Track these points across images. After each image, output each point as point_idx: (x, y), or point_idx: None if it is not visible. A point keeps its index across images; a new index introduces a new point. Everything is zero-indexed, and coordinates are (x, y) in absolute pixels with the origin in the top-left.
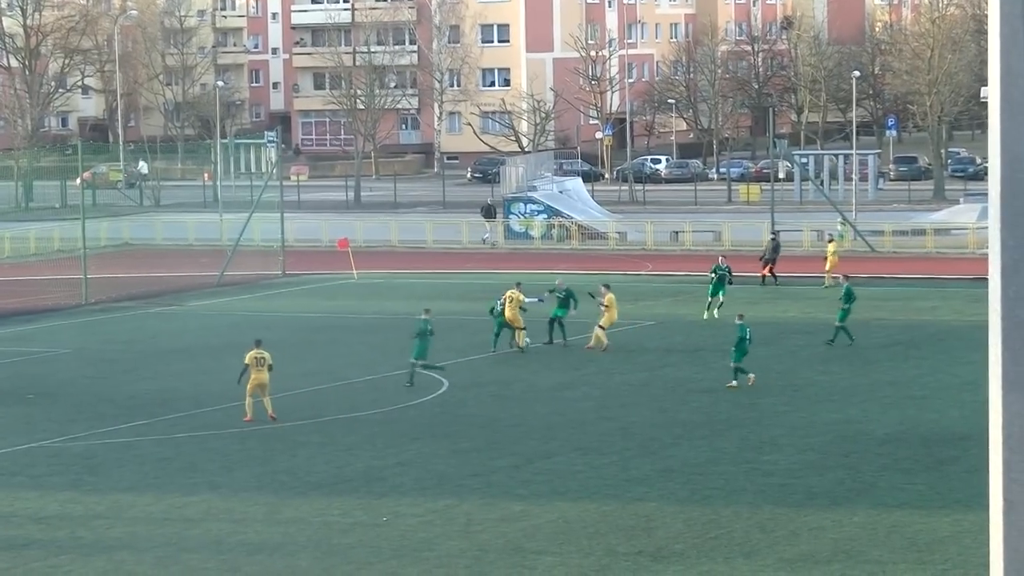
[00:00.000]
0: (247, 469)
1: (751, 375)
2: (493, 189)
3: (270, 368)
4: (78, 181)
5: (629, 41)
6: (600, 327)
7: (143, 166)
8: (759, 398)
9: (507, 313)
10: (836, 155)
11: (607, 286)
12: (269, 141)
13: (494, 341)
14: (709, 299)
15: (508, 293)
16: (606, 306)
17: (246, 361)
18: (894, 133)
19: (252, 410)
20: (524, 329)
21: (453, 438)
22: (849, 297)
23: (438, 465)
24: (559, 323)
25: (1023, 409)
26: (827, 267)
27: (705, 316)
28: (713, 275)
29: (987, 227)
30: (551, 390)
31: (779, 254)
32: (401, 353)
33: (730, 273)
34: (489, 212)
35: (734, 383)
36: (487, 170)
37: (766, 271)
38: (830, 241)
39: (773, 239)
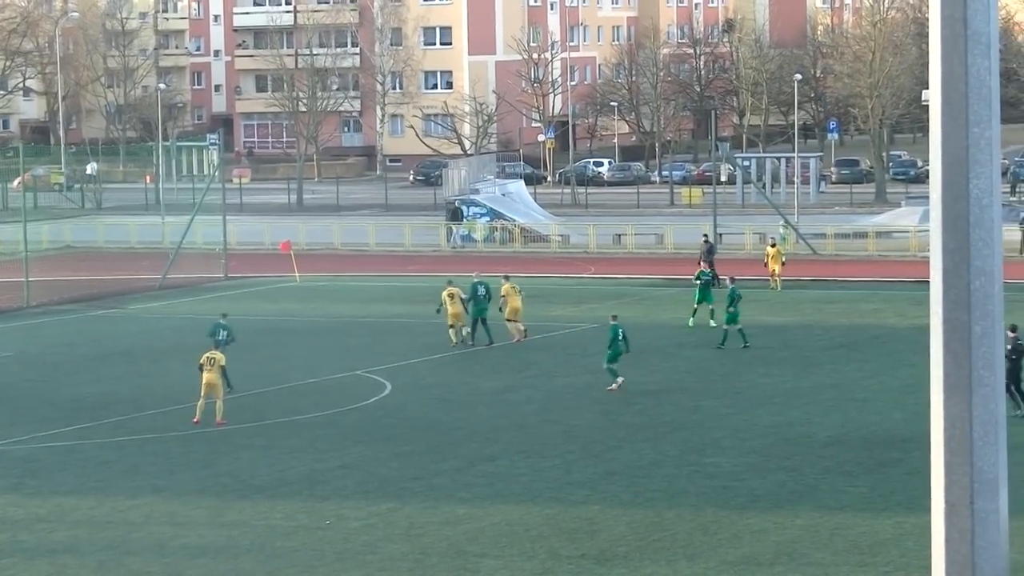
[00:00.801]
0: (189, 472)
1: (618, 380)
2: (436, 192)
3: (223, 370)
4: (16, 183)
5: (571, 44)
6: (507, 320)
7: (92, 167)
8: (701, 400)
9: (451, 309)
10: (778, 158)
11: (506, 277)
12: (211, 143)
13: (484, 334)
14: (695, 305)
15: (448, 291)
16: (503, 295)
17: (200, 362)
18: (836, 136)
19: (202, 412)
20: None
21: (395, 441)
22: (733, 299)
23: (380, 468)
24: (482, 322)
25: (964, 412)
26: (776, 269)
27: (690, 323)
28: (698, 281)
29: (928, 230)
30: (494, 393)
31: (715, 255)
32: (343, 356)
33: (715, 278)
34: (456, 215)
35: (614, 385)
36: (430, 173)
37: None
38: (772, 245)
39: (705, 240)
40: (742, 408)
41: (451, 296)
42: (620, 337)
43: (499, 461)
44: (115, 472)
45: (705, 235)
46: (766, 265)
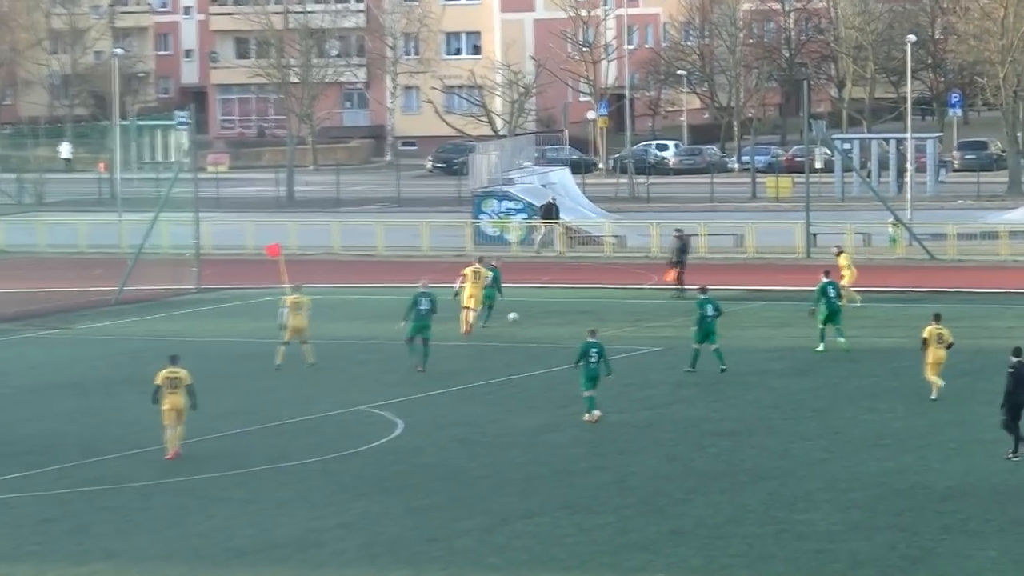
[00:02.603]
0: (152, 533)
1: (594, 412)
2: (460, 183)
3: (189, 391)
4: None
5: None
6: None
7: (66, 148)
8: (791, 442)
9: (291, 323)
10: (887, 139)
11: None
12: (180, 123)
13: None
14: (820, 327)
15: (292, 299)
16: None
17: (156, 382)
18: (959, 112)
19: (173, 444)
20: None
21: (409, 493)
22: (703, 310)
23: (390, 527)
24: (423, 341)
25: None
26: (846, 281)
27: (819, 348)
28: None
29: None
30: (531, 433)
31: (687, 255)
32: (344, 388)
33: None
34: (550, 212)
35: (587, 416)
36: (452, 159)
37: (671, 277)
38: (838, 254)
39: (678, 238)
40: (842, 452)
41: (295, 304)
42: (594, 357)
43: (538, 518)
44: (57, 532)
45: (678, 230)
46: (842, 273)
